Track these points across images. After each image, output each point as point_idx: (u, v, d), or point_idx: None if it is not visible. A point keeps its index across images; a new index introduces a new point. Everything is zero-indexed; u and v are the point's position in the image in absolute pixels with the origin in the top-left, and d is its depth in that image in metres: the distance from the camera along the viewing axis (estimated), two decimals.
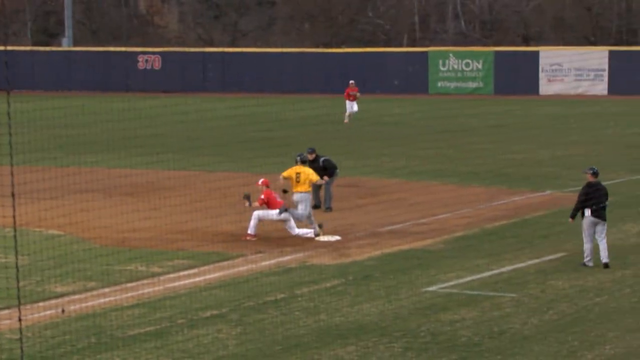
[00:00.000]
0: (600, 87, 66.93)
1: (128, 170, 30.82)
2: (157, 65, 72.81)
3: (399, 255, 23.08)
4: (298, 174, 25.34)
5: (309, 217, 25.26)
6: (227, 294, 19.80)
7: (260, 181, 25.39)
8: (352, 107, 50.13)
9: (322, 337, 17.13)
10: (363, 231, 25.60)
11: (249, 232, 24.78)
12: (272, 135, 40.47)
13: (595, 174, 22.01)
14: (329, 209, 28.22)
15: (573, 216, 22.10)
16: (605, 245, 21.87)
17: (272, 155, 35.13)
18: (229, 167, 34.09)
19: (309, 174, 25.43)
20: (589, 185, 21.94)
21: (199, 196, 28.81)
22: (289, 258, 22.91)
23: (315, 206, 28.47)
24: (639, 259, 22.77)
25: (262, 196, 24.95)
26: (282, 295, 19.71)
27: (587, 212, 21.77)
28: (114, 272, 21.28)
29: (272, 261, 22.57)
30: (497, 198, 29.56)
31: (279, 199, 25.04)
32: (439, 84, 69.11)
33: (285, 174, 25.45)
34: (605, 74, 66.82)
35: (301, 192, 25.17)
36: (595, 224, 21.79)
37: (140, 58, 73.08)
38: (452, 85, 69.15)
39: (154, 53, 73.40)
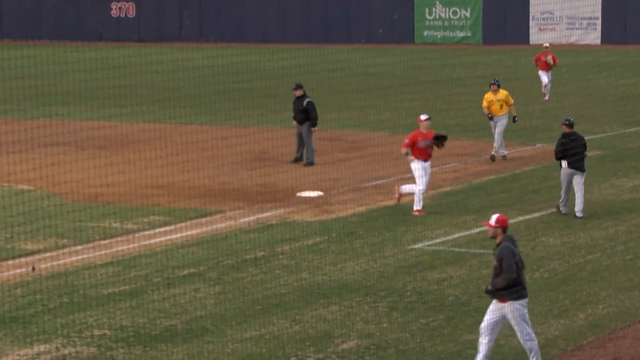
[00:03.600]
0: (593, 36, 66.26)
1: (101, 123, 30.65)
2: (131, 12, 72.02)
3: (383, 211, 22.77)
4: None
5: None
6: (205, 251, 19.62)
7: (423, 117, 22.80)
8: (548, 77, 40.26)
9: (304, 297, 17.02)
10: (346, 186, 25.23)
11: (416, 207, 22.51)
12: (251, 87, 40.12)
13: (570, 125, 22.11)
14: (310, 163, 27.75)
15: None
16: (582, 198, 21.89)
17: (252, 106, 34.95)
18: (207, 119, 33.74)
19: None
20: (564, 135, 22.03)
21: (175, 149, 28.72)
22: (269, 214, 22.61)
23: (297, 159, 28.03)
24: (633, 215, 22.51)
25: (406, 140, 22.63)
26: (262, 253, 19.52)
27: (564, 163, 21.92)
28: (87, 228, 21.12)
29: (252, 217, 22.31)
30: (486, 151, 29.17)
31: (422, 145, 22.50)
32: (425, 33, 68.46)
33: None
34: (598, 22, 66.14)
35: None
36: (572, 175, 21.89)
37: (114, 5, 72.22)
38: (439, 34, 68.48)
39: (127, 0, 72.59)
